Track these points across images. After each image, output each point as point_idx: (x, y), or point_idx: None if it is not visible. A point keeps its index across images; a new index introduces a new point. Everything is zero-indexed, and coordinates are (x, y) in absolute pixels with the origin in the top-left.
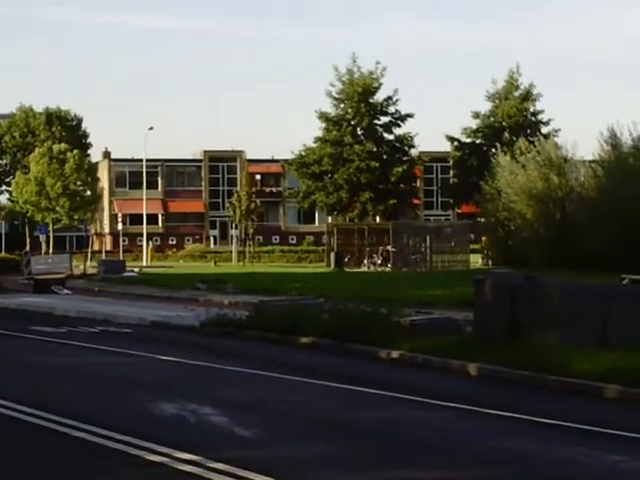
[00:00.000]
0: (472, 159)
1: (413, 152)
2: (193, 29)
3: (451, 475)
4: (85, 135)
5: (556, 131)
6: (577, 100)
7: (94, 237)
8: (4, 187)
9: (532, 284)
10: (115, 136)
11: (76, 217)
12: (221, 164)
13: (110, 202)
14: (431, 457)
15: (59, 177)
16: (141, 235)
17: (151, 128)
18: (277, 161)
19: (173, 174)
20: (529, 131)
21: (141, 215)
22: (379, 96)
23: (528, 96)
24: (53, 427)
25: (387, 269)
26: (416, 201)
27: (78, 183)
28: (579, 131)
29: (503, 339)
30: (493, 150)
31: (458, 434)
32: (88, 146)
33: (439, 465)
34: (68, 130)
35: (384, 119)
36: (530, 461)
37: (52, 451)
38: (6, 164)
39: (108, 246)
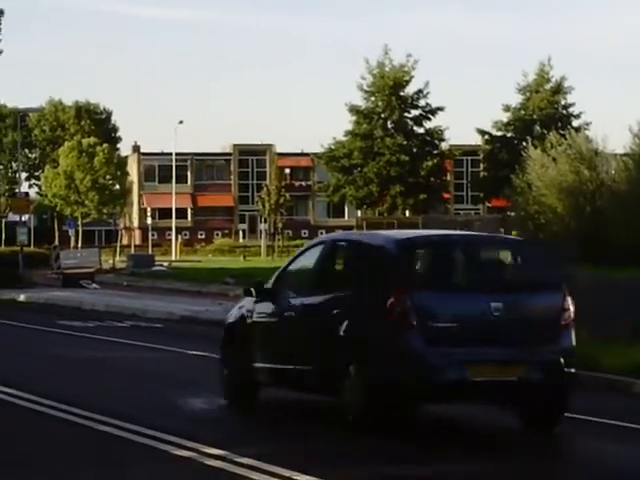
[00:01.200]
0: (503, 152)
1: (443, 145)
2: (225, 21)
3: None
4: (114, 129)
5: (587, 124)
6: (609, 93)
7: (123, 231)
8: (33, 181)
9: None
10: (145, 130)
11: (105, 211)
12: (251, 158)
13: (139, 196)
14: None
15: (88, 171)
16: (170, 229)
17: (181, 122)
18: (307, 155)
19: (202, 168)
20: (560, 124)
21: (170, 209)
22: (410, 89)
23: (559, 89)
24: (79, 421)
25: None
26: (446, 195)
27: (107, 177)
28: (610, 124)
29: None
30: (524, 143)
31: (480, 428)
32: (117, 140)
33: (464, 457)
34: (97, 124)
35: (415, 112)
36: (558, 456)
37: (77, 445)
38: (35, 158)
39: (137, 240)
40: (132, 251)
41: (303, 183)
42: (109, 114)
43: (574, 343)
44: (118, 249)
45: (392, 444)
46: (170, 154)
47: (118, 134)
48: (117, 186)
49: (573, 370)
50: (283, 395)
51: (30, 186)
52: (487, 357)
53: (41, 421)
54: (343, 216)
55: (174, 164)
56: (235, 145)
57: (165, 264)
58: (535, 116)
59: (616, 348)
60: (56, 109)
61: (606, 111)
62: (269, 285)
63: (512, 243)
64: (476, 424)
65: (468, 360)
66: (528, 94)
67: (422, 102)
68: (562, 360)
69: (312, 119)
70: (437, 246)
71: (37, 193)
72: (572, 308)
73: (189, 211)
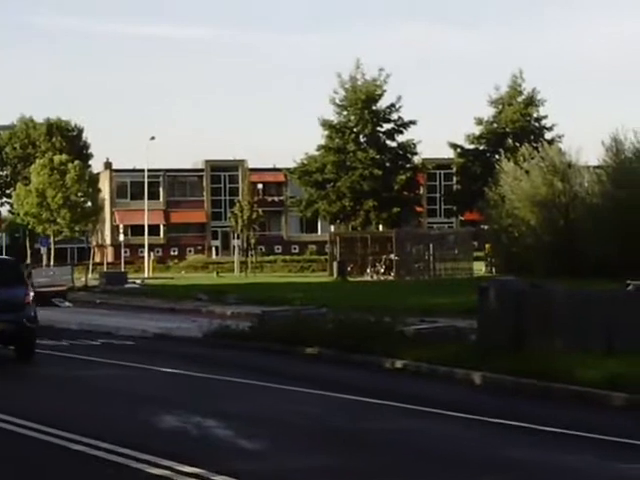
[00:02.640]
0: (475, 166)
1: (416, 159)
2: (192, 38)
3: None
4: (86, 146)
5: (560, 137)
6: (581, 105)
7: (95, 249)
8: (5, 199)
9: (537, 291)
10: (116, 146)
11: (77, 229)
12: (223, 174)
13: (111, 213)
14: (437, 467)
15: (60, 188)
16: (143, 246)
17: (152, 138)
18: (279, 170)
19: (175, 184)
20: (533, 137)
21: (142, 226)
22: (382, 103)
23: (532, 101)
24: (52, 440)
25: (390, 278)
26: (419, 209)
27: (79, 194)
28: (583, 136)
29: (507, 347)
30: (497, 156)
31: (463, 444)
32: (89, 157)
33: (444, 475)
34: (69, 141)
35: (387, 126)
36: (536, 470)
37: (50, 464)
38: (7, 175)
39: (110, 258)
40: (105, 268)
41: (276, 198)
42: (80, 131)
43: (33, 312)
44: (91, 267)
45: None
46: (142, 171)
47: (90, 151)
48: (89, 203)
49: (33, 326)
50: None
51: (1, 204)
52: None
53: (10, 440)
54: (316, 231)
55: (146, 181)
56: (207, 161)
57: (138, 281)
58: (508, 129)
59: (591, 360)
60: (27, 126)
61: (579, 124)
62: None
63: (4, 260)
64: None
65: None
66: (500, 107)
67: (394, 116)
68: (25, 320)
69: (284, 134)
70: None
71: (9, 211)
72: (32, 294)
73: (162, 228)
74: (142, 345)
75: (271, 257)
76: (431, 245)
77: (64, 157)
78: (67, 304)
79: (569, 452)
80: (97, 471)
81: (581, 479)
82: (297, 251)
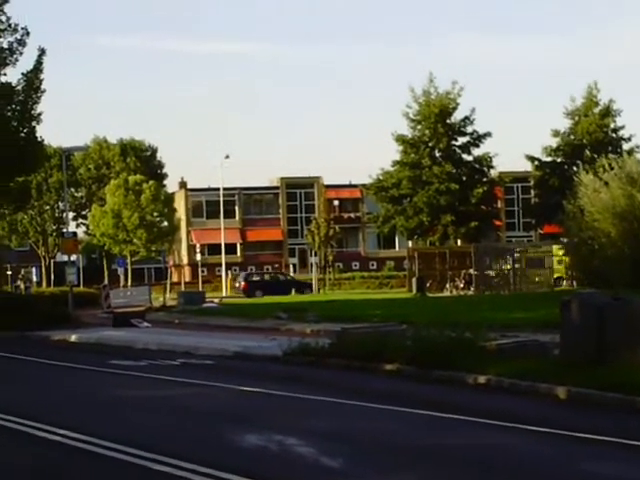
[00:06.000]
0: (553, 178)
1: (493, 173)
2: (269, 53)
3: None
4: (160, 165)
5: (638, 147)
6: None
7: (172, 268)
8: (80, 220)
9: (620, 304)
10: (191, 166)
11: (154, 249)
12: (298, 191)
13: (188, 232)
14: None
15: (135, 208)
16: (220, 265)
17: (227, 157)
18: (355, 186)
19: (250, 202)
20: (610, 148)
21: (219, 245)
22: (456, 116)
23: (608, 112)
24: (135, 461)
25: (470, 292)
26: (497, 223)
27: (155, 214)
28: None
29: (591, 361)
30: (574, 168)
31: (550, 459)
32: (164, 176)
33: None
34: (143, 161)
35: (462, 139)
36: None
37: None
38: (82, 197)
39: (187, 277)
40: (182, 288)
41: (352, 215)
42: (154, 151)
43: None
44: (168, 286)
45: None
46: (217, 189)
47: (164, 170)
48: (165, 223)
49: None
50: None
51: (77, 225)
52: None
53: (94, 462)
54: (394, 247)
55: (222, 199)
56: (282, 178)
57: (216, 300)
58: (585, 140)
59: None
60: (101, 147)
61: None
62: None
63: None
64: None
65: None
66: (577, 118)
67: (469, 129)
68: None
69: (359, 150)
70: None
71: (85, 232)
72: None
73: (238, 246)
74: (222, 364)
75: (349, 274)
76: (510, 259)
77: (139, 177)
78: (145, 324)
79: None
80: None
81: None
82: (375, 267)
